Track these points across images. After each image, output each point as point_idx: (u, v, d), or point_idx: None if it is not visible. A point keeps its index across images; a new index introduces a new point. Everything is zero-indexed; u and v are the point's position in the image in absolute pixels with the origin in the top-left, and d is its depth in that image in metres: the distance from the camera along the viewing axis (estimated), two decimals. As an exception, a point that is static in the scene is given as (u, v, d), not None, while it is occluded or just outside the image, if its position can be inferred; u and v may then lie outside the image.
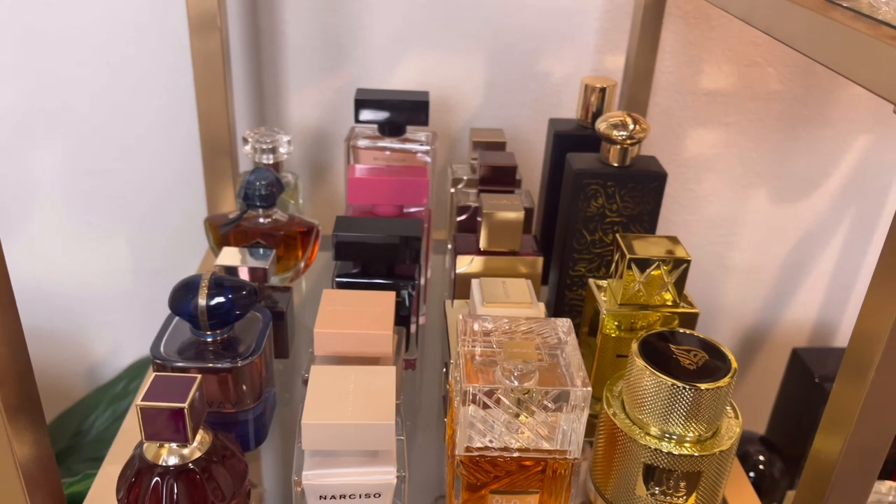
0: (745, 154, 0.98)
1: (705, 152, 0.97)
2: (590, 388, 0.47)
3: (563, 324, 0.52)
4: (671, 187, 0.99)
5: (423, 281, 0.72)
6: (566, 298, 0.71)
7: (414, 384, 0.70)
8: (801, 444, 0.94)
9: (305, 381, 0.52)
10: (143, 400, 0.44)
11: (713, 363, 0.50)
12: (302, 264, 0.75)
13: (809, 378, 0.92)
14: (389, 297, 0.59)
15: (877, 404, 0.41)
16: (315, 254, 0.77)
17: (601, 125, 0.65)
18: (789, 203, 1.02)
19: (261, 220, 0.72)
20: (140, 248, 1.00)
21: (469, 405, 0.47)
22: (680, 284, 0.57)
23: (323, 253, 0.84)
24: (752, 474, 0.94)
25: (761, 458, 0.94)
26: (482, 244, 0.67)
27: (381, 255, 0.63)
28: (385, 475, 0.48)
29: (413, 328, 0.66)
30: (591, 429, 0.58)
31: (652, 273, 0.56)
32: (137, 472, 0.46)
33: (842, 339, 1.11)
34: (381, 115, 0.76)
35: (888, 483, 0.80)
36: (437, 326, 0.76)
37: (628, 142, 0.64)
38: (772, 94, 0.94)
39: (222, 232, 0.72)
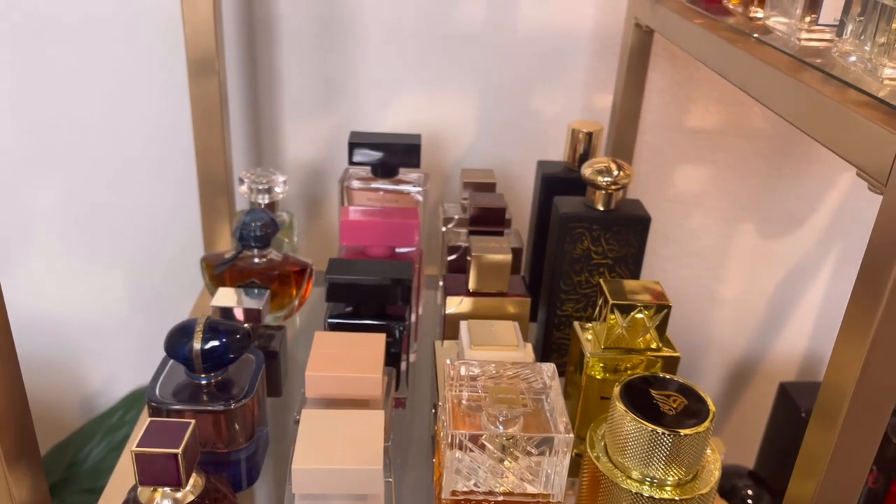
0: (732, 190, 1.00)
1: (693, 188, 0.99)
2: (572, 435, 0.48)
3: (548, 369, 0.53)
4: (660, 222, 1.00)
5: (413, 318, 0.74)
6: (554, 337, 0.73)
7: (405, 421, 0.71)
8: (789, 478, 0.94)
9: (297, 422, 0.53)
10: (137, 446, 0.45)
11: (693, 406, 0.51)
12: (296, 302, 0.77)
13: (796, 412, 0.93)
14: (379, 339, 0.60)
15: (847, 450, 0.42)
16: (309, 291, 0.78)
17: (586, 171, 0.66)
18: (776, 238, 1.03)
19: (256, 259, 0.74)
20: (136, 281, 1.02)
21: (455, 450, 0.48)
22: (661, 328, 0.58)
23: (318, 289, 0.86)
24: (740, 508, 0.95)
25: (749, 492, 0.95)
26: (471, 285, 0.68)
27: (373, 296, 0.64)
28: (373, 518, 0.49)
29: (403, 366, 0.67)
30: (577, 468, 0.59)
31: (634, 317, 0.58)
32: (132, 516, 0.47)
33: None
34: (375, 157, 0.78)
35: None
36: (427, 363, 0.77)
37: (613, 187, 0.66)
38: (757, 131, 0.96)
39: (217, 272, 0.73)
